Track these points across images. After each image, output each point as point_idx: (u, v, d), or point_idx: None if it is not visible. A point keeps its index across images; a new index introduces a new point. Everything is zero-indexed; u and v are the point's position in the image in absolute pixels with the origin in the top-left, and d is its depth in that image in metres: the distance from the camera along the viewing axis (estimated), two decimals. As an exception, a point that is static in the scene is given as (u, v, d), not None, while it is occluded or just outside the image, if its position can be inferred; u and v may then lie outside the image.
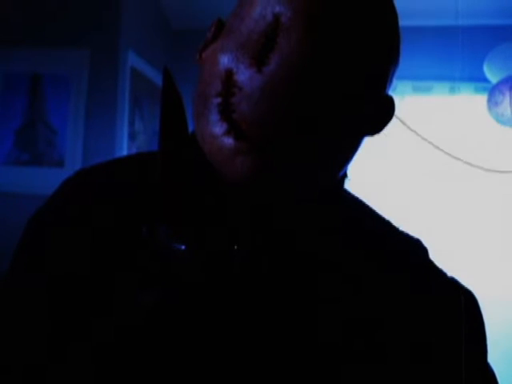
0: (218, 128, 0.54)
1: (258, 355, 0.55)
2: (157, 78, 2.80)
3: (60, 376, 0.55)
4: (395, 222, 0.67)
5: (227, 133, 0.53)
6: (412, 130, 2.47)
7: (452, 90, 2.78)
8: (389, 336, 0.58)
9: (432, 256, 0.65)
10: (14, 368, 0.56)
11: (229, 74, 0.53)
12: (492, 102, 2.31)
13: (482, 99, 2.50)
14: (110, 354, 0.54)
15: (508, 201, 2.78)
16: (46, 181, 2.32)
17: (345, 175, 0.63)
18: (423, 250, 0.65)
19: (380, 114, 0.58)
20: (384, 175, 2.79)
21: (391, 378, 0.57)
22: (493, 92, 2.32)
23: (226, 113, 0.53)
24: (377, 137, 0.60)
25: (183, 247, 0.55)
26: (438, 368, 0.59)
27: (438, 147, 2.49)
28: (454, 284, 0.63)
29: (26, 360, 0.56)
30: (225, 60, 0.54)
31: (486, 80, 2.49)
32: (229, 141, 0.53)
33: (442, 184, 2.81)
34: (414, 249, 0.65)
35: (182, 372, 0.54)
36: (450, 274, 0.64)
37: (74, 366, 0.55)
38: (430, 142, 2.49)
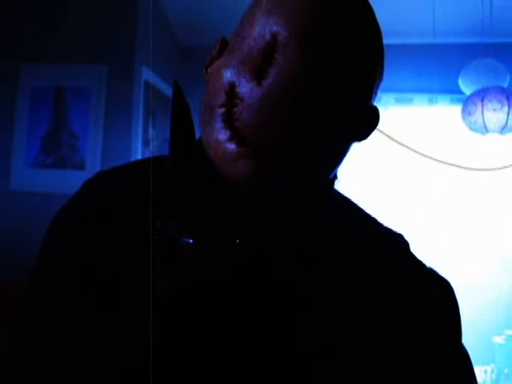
0: (222, 135, 0.54)
1: (258, 338, 0.55)
2: (167, 90, 2.80)
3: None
4: (380, 219, 0.67)
5: (230, 139, 0.53)
6: (394, 140, 2.47)
7: (431, 101, 2.78)
8: (374, 325, 0.58)
9: (413, 249, 0.65)
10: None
11: (232, 86, 0.54)
12: (466, 112, 2.31)
13: (457, 109, 2.51)
14: (128, 340, 0.54)
15: (479, 196, 2.79)
16: (68, 182, 2.32)
17: (335, 177, 0.63)
18: (405, 244, 0.65)
19: (367, 123, 0.58)
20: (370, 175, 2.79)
21: (380, 363, 0.57)
22: (466, 103, 2.32)
23: (229, 121, 0.53)
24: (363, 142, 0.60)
25: (191, 241, 0.55)
26: (417, 353, 0.59)
27: (416, 151, 2.49)
28: (432, 274, 0.63)
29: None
30: (228, 74, 0.54)
31: (460, 92, 2.50)
32: (232, 146, 0.53)
33: (421, 181, 2.82)
34: (397, 242, 0.65)
35: (192, 351, 0.54)
36: (428, 265, 0.64)
37: (96, 359, 0.55)
38: (409, 148, 2.49)
